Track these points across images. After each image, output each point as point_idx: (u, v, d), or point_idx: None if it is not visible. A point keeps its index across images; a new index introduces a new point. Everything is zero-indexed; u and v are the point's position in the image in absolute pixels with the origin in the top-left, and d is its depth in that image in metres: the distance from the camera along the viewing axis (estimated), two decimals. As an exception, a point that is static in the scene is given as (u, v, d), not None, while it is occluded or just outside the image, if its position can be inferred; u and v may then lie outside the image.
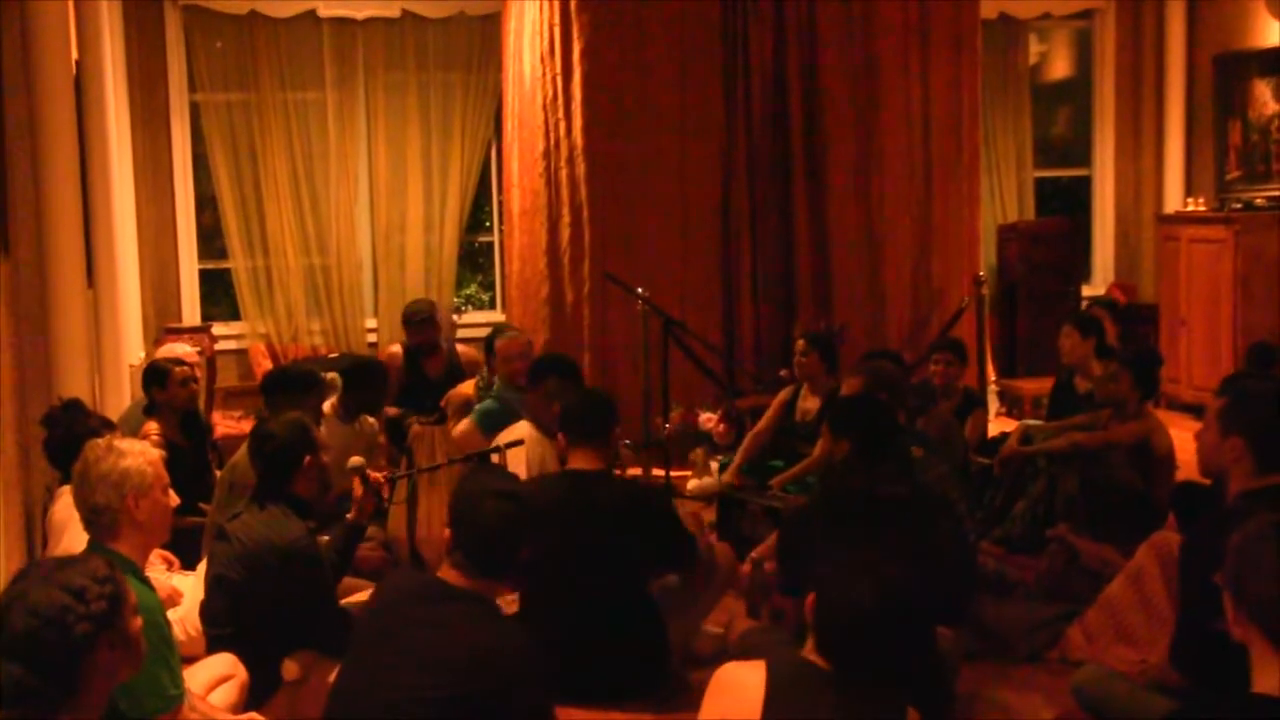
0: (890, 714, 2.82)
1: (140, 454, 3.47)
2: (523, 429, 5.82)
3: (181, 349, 7.04)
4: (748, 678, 2.84)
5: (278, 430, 4.40)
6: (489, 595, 3.35)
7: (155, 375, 6.13)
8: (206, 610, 4.36)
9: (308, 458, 4.38)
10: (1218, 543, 2.56)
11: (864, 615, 2.73)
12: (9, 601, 2.41)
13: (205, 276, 9.81)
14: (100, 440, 3.55)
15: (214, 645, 4.26)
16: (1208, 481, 5.14)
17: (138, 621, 2.57)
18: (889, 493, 4.36)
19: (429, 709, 3.12)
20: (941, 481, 5.20)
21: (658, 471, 7.52)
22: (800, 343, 7.30)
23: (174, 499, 3.57)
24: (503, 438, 5.81)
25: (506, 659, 3.19)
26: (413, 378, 7.96)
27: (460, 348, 8.43)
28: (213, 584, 4.32)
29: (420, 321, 8.10)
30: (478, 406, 6.79)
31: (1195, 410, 8.96)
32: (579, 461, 4.79)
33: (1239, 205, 9.49)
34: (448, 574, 3.35)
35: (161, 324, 9.28)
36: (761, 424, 7.32)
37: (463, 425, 6.70)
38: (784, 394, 7.34)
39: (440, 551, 5.80)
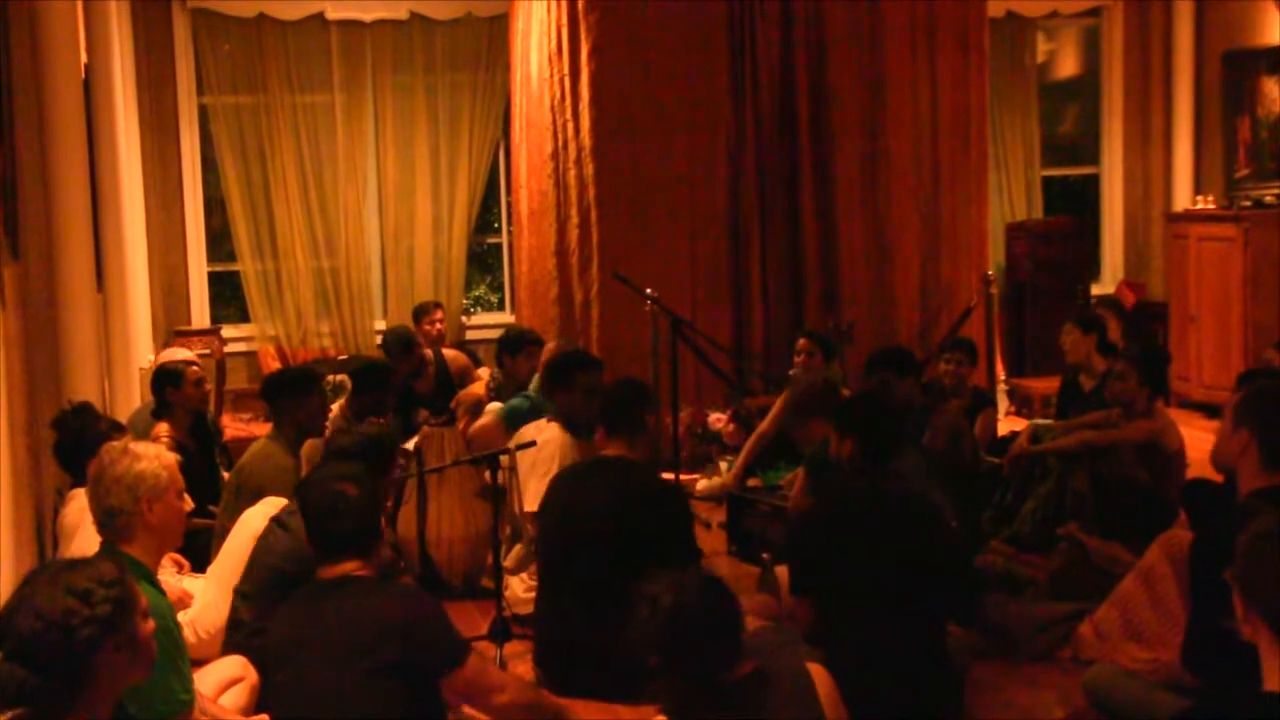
0: (791, 694, 3.04)
1: (155, 458, 3.48)
2: (539, 430, 5.80)
3: (183, 353, 7.04)
4: None
5: (350, 441, 4.59)
6: (365, 571, 3.46)
7: (169, 376, 6.13)
8: (252, 596, 4.34)
9: None
10: (1228, 540, 2.55)
11: (666, 620, 2.96)
12: (16, 603, 2.43)
13: (214, 279, 9.83)
14: (117, 443, 3.56)
15: (249, 636, 4.25)
16: (1219, 479, 5.13)
17: (149, 625, 2.57)
18: (894, 490, 4.37)
19: (368, 687, 3.25)
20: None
21: (666, 475, 7.51)
22: (802, 341, 7.31)
23: (188, 504, 3.58)
24: (514, 440, 5.81)
25: (412, 611, 3.37)
26: (403, 398, 7.79)
27: (448, 353, 8.34)
28: (261, 571, 4.35)
29: (402, 350, 7.86)
30: (509, 402, 6.71)
31: (1206, 408, 8.94)
32: (611, 450, 4.88)
33: (1248, 203, 9.47)
34: (323, 570, 3.48)
35: (171, 327, 9.29)
36: (764, 426, 7.32)
37: (485, 419, 6.66)
38: (786, 396, 7.34)
39: (448, 553, 5.85)
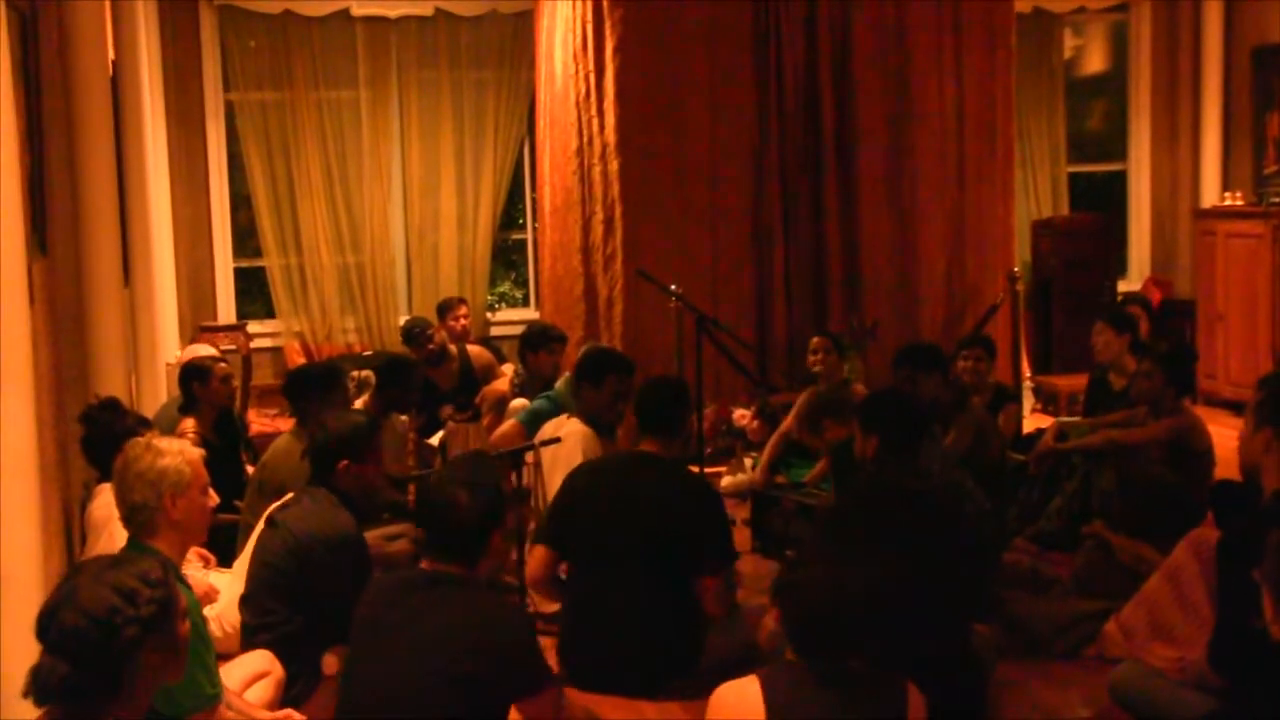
0: (884, 702, 3.05)
1: (179, 453, 3.48)
2: (558, 426, 5.78)
3: (210, 350, 7.06)
4: (744, 692, 3.03)
5: (329, 425, 4.49)
6: (472, 575, 3.43)
7: (196, 372, 6.16)
8: (249, 598, 4.36)
9: (344, 462, 4.39)
10: (1257, 538, 2.54)
11: (820, 602, 3.06)
12: (61, 598, 2.41)
13: (240, 275, 9.86)
14: (141, 438, 3.57)
15: (251, 634, 4.28)
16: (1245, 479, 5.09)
17: (185, 626, 2.57)
18: (917, 486, 4.36)
19: (437, 690, 3.21)
20: None
21: (691, 468, 7.51)
22: (816, 340, 7.34)
23: (213, 499, 3.58)
24: (537, 437, 5.80)
25: (502, 630, 3.33)
26: (427, 394, 7.77)
27: (472, 349, 8.35)
28: (260, 571, 4.33)
29: (416, 336, 7.98)
30: (530, 406, 6.70)
31: (1233, 406, 8.88)
32: (644, 448, 4.86)
33: (1277, 199, 9.40)
34: (427, 563, 3.46)
35: (197, 322, 9.33)
36: (786, 423, 7.32)
37: (506, 426, 6.66)
38: (807, 392, 7.34)
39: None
